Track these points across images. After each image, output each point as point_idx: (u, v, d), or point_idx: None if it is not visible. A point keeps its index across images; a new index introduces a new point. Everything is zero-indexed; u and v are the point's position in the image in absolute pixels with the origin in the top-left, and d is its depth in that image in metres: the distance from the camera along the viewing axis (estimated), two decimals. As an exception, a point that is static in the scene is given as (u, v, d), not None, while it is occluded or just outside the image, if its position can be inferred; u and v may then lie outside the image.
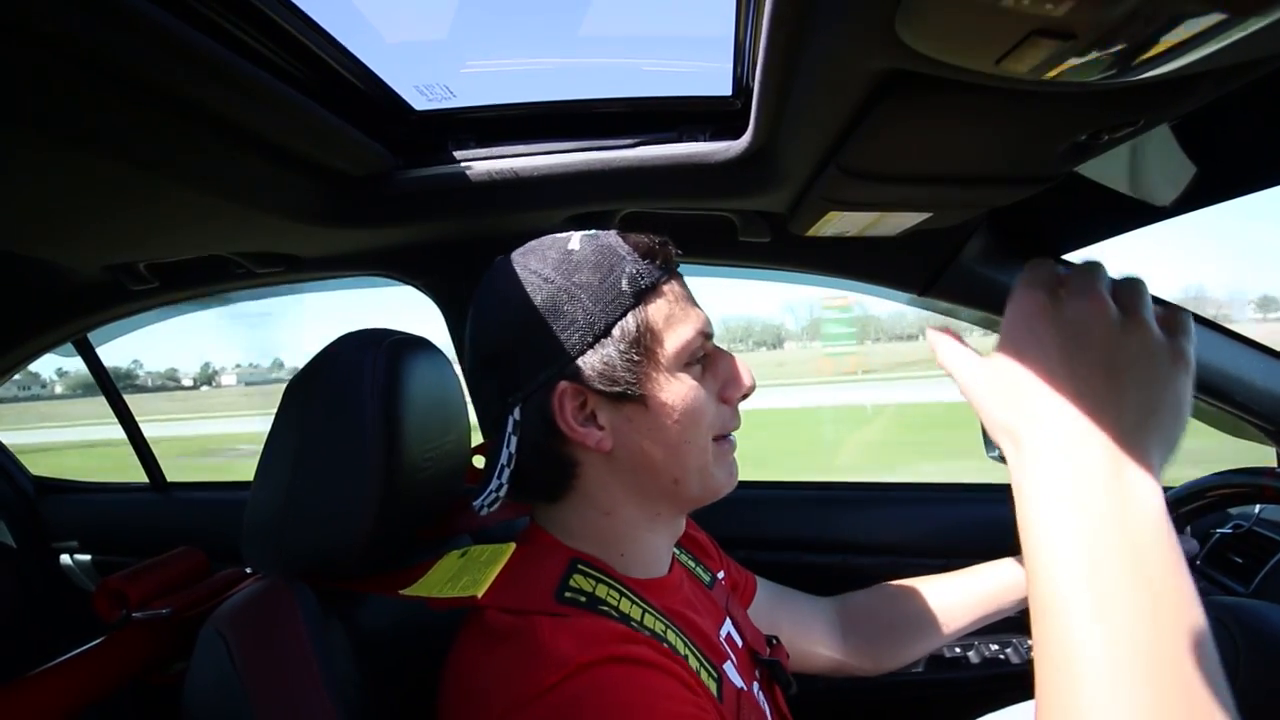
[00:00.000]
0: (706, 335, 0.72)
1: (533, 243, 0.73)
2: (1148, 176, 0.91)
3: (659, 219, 1.22)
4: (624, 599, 0.66)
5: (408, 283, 1.40)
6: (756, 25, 0.69)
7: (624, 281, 0.67)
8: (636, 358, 0.67)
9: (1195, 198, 0.91)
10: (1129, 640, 0.39)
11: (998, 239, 1.21)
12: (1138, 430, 0.44)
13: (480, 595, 0.62)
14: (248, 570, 0.97)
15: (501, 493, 0.70)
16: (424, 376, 0.78)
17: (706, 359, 0.73)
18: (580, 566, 0.67)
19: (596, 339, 0.67)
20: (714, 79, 0.95)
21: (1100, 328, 0.46)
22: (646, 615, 0.65)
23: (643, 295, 0.68)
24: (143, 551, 1.17)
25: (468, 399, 0.88)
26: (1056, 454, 0.45)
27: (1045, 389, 0.46)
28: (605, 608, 0.63)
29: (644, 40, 0.98)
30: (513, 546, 0.70)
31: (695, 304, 0.73)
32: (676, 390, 0.69)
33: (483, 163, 1.04)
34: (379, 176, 1.04)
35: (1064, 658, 0.41)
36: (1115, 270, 0.50)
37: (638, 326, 0.67)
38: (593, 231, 0.73)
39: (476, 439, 0.91)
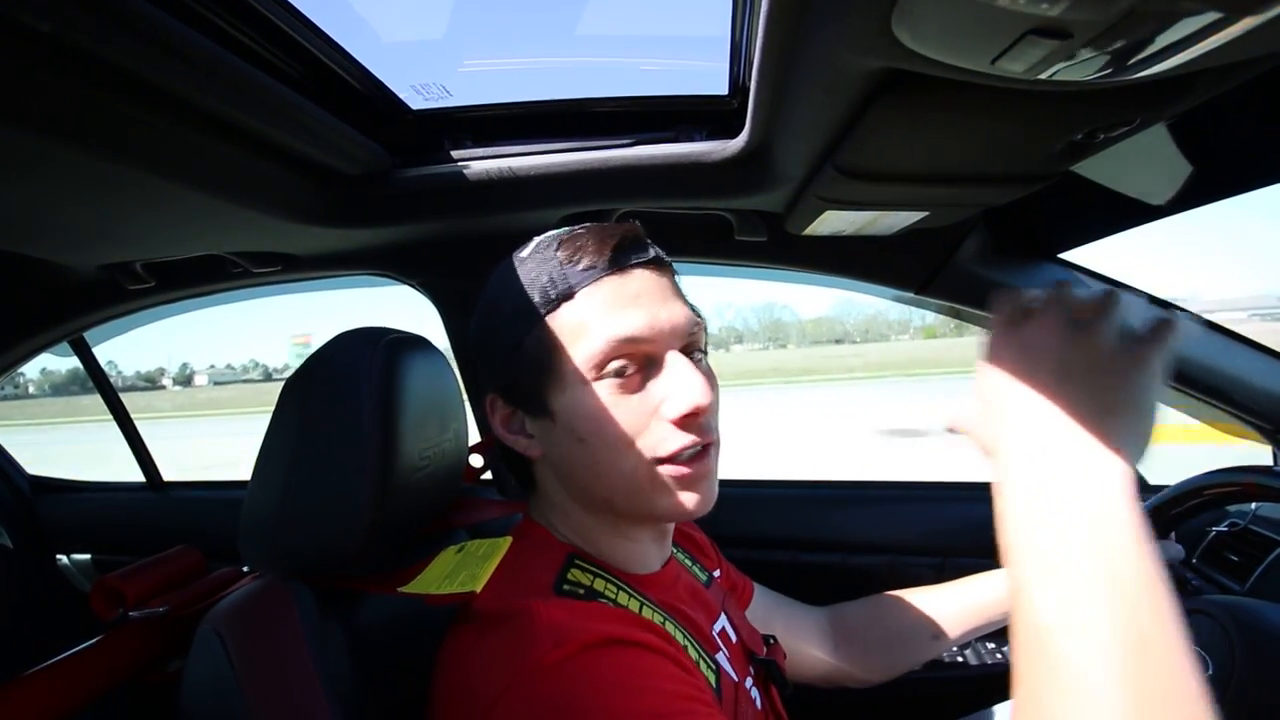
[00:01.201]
0: (630, 341, 0.63)
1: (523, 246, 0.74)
2: (1143, 175, 0.91)
3: (655, 218, 1.22)
4: (621, 592, 0.65)
5: (404, 282, 1.40)
6: (753, 25, 0.69)
7: (536, 292, 0.66)
8: (536, 371, 0.65)
9: (1191, 196, 0.91)
10: (1099, 624, 0.41)
11: (994, 238, 1.21)
12: (1096, 429, 0.47)
13: (479, 590, 0.62)
14: (245, 569, 0.97)
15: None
16: (421, 375, 0.78)
17: (640, 369, 0.64)
18: (577, 561, 0.67)
19: (509, 352, 0.67)
20: (710, 78, 0.96)
21: (1050, 344, 0.51)
22: (644, 608, 0.65)
23: (553, 304, 0.64)
24: (139, 551, 1.17)
25: (465, 398, 0.88)
26: (1021, 458, 0.49)
27: (1009, 404, 0.51)
28: (603, 600, 0.63)
29: (640, 40, 0.98)
30: (509, 540, 0.70)
31: (642, 305, 0.64)
32: (582, 405, 0.63)
33: (479, 162, 1.04)
34: (375, 176, 1.04)
35: (1037, 647, 0.43)
36: (1090, 284, 0.54)
37: (541, 339, 0.65)
38: (556, 232, 0.70)
39: (474, 437, 0.91)
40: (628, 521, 0.70)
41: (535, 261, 0.67)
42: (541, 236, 0.70)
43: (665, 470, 0.64)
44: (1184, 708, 0.39)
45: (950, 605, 1.00)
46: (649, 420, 0.64)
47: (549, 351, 0.65)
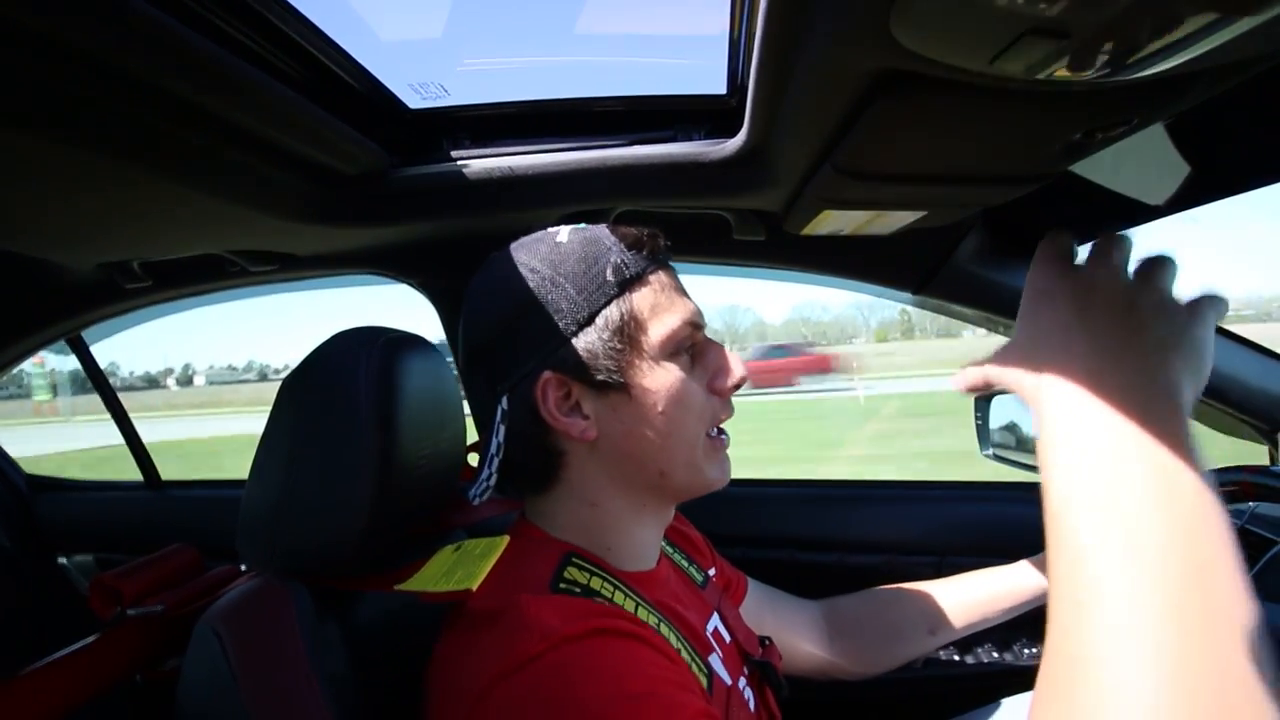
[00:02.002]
0: (695, 325, 0.71)
1: (524, 238, 0.74)
2: (1141, 175, 0.91)
3: (654, 218, 1.22)
4: (618, 592, 0.66)
5: (403, 281, 1.40)
6: (751, 23, 0.69)
7: (609, 271, 0.68)
8: (620, 345, 0.67)
9: (1189, 197, 0.91)
10: (1156, 576, 0.39)
11: (992, 238, 1.21)
12: (1160, 363, 0.46)
13: (475, 589, 0.62)
14: (242, 567, 0.97)
15: (491, 482, 0.70)
16: (419, 374, 0.78)
17: (695, 350, 0.73)
18: (574, 559, 0.67)
19: (580, 327, 0.67)
20: (709, 77, 0.95)
21: (1111, 285, 0.50)
22: (640, 608, 0.66)
23: (627, 284, 0.69)
24: (137, 549, 1.17)
25: (463, 396, 0.88)
26: (1077, 393, 0.46)
27: (1062, 341, 0.50)
28: (600, 599, 0.63)
29: (639, 38, 0.98)
30: (506, 539, 0.70)
31: (684, 295, 0.73)
32: (661, 379, 0.69)
33: (478, 161, 1.04)
34: (374, 175, 1.04)
35: (1083, 598, 0.41)
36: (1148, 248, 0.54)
37: (621, 315, 0.67)
38: (582, 225, 0.73)
39: (472, 436, 0.91)
40: (667, 498, 0.74)
41: (588, 245, 0.70)
42: (569, 226, 0.73)
43: (709, 442, 0.73)
44: (1241, 644, 0.36)
45: (947, 600, 1.00)
46: (703, 393, 0.72)
47: (631, 328, 0.68)
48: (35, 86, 0.62)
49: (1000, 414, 1.64)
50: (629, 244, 0.70)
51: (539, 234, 0.74)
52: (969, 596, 1.00)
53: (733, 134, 0.94)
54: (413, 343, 0.80)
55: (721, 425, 0.75)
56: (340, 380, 0.72)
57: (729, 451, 0.77)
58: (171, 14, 0.61)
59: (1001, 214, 1.07)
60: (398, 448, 0.73)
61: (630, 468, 0.70)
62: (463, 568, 0.67)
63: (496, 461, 0.70)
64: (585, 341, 0.67)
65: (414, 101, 1.00)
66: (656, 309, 0.69)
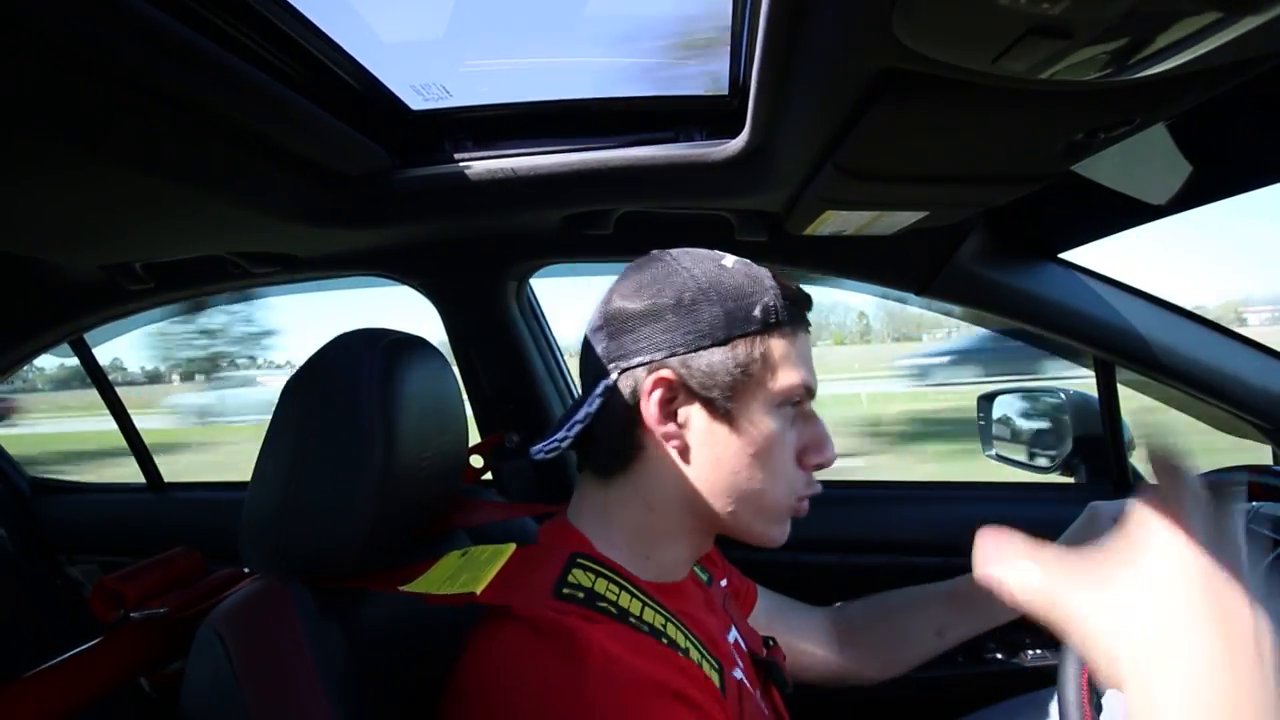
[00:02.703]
0: (810, 391, 0.72)
1: (691, 249, 0.75)
2: (1144, 175, 0.91)
3: (655, 218, 1.22)
4: (623, 593, 0.66)
5: (404, 282, 1.40)
6: (753, 24, 0.69)
7: (758, 308, 0.69)
8: (741, 376, 0.68)
9: (1191, 196, 0.91)
10: None
11: (995, 237, 1.21)
12: (1250, 613, 0.42)
13: (479, 592, 0.62)
14: (245, 570, 0.97)
15: (564, 444, 0.71)
16: (421, 376, 0.78)
17: (799, 417, 0.73)
18: (580, 560, 0.67)
19: (714, 344, 0.68)
20: (710, 78, 0.95)
21: (1200, 534, 0.44)
22: (646, 609, 0.65)
23: (770, 328, 0.70)
24: (139, 552, 1.17)
25: (465, 399, 0.88)
26: (1163, 643, 0.42)
27: (1163, 631, 0.42)
28: (603, 604, 0.63)
29: (640, 39, 0.98)
30: (513, 547, 0.70)
31: (810, 365, 0.74)
32: (765, 423, 0.69)
33: (479, 162, 1.04)
34: (375, 176, 1.04)
35: None
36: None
37: (753, 350, 0.68)
38: (745, 260, 0.74)
39: (474, 438, 0.92)
40: (718, 529, 0.74)
41: (749, 278, 0.71)
42: (735, 258, 0.74)
43: (795, 506, 0.73)
44: None
45: (954, 601, 1.00)
46: (793, 459, 0.72)
47: (758, 366, 0.69)
48: (36, 87, 0.62)
49: (1001, 414, 1.64)
50: (786, 293, 0.71)
51: (705, 250, 0.75)
52: (975, 598, 0.99)
53: (734, 135, 0.94)
54: (415, 344, 0.80)
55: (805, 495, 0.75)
56: (343, 382, 0.72)
57: None
58: (173, 15, 0.61)
59: (1005, 213, 1.07)
60: (400, 449, 0.73)
61: (701, 489, 0.71)
62: (468, 571, 0.67)
63: (578, 429, 0.71)
64: (712, 358, 0.68)
65: (415, 103, 1.00)
66: (785, 360, 0.70)
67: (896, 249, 1.19)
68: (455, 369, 0.89)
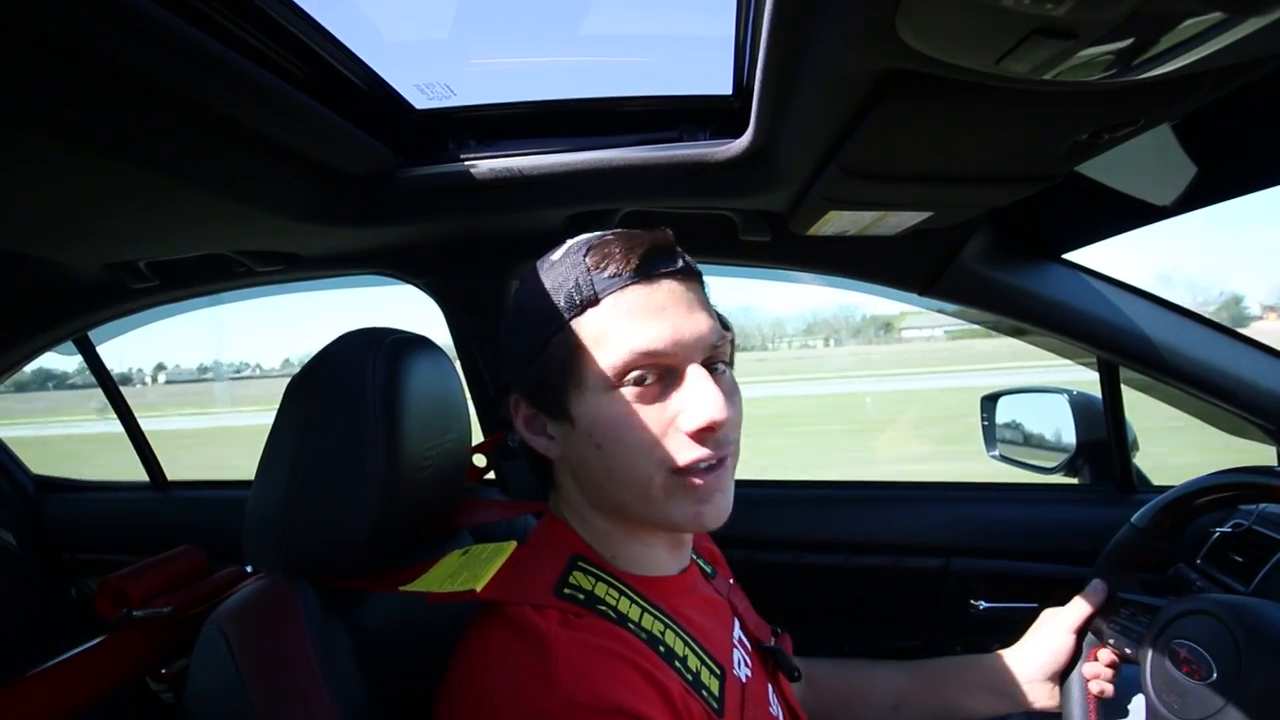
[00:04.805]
0: (650, 354, 0.63)
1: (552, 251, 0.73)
2: (1148, 176, 0.91)
3: (660, 218, 1.21)
4: (623, 598, 0.66)
5: (408, 281, 1.40)
6: (757, 24, 0.69)
7: (562, 296, 0.66)
8: (559, 375, 0.66)
9: (1195, 197, 0.91)
10: None
11: (999, 237, 1.21)
12: None
13: (479, 589, 0.63)
14: (248, 569, 0.97)
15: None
16: (425, 375, 0.78)
17: (665, 380, 0.65)
18: (580, 563, 0.67)
19: (535, 354, 0.68)
20: (714, 78, 0.95)
21: None
22: (645, 615, 0.65)
23: (578, 310, 0.65)
24: (143, 550, 1.17)
25: (469, 398, 0.88)
26: None
27: None
28: (603, 607, 0.63)
29: (644, 39, 0.98)
30: (514, 544, 0.70)
31: (660, 315, 0.64)
32: (601, 412, 0.64)
33: (483, 161, 1.04)
34: (380, 175, 1.04)
35: None
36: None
37: (564, 343, 0.65)
38: (587, 236, 0.70)
39: (477, 437, 0.92)
40: (641, 528, 0.71)
41: (564, 266, 0.67)
42: (573, 241, 0.70)
43: (680, 481, 0.65)
44: None
45: (916, 680, 0.99)
46: (666, 430, 0.64)
47: (571, 356, 0.65)
48: (40, 87, 0.62)
49: (1006, 415, 1.64)
50: (596, 261, 0.65)
51: (557, 249, 0.71)
52: (940, 678, 0.99)
53: (738, 135, 0.94)
54: (419, 344, 0.80)
55: (707, 462, 0.65)
56: (347, 380, 0.73)
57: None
58: (178, 14, 0.61)
59: (1008, 214, 1.07)
60: (404, 448, 0.73)
61: (591, 493, 0.70)
62: (469, 570, 0.67)
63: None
64: (539, 368, 0.68)
65: (420, 102, 1.00)
66: (604, 336, 0.64)
67: (900, 249, 1.19)
68: (459, 368, 0.89)
